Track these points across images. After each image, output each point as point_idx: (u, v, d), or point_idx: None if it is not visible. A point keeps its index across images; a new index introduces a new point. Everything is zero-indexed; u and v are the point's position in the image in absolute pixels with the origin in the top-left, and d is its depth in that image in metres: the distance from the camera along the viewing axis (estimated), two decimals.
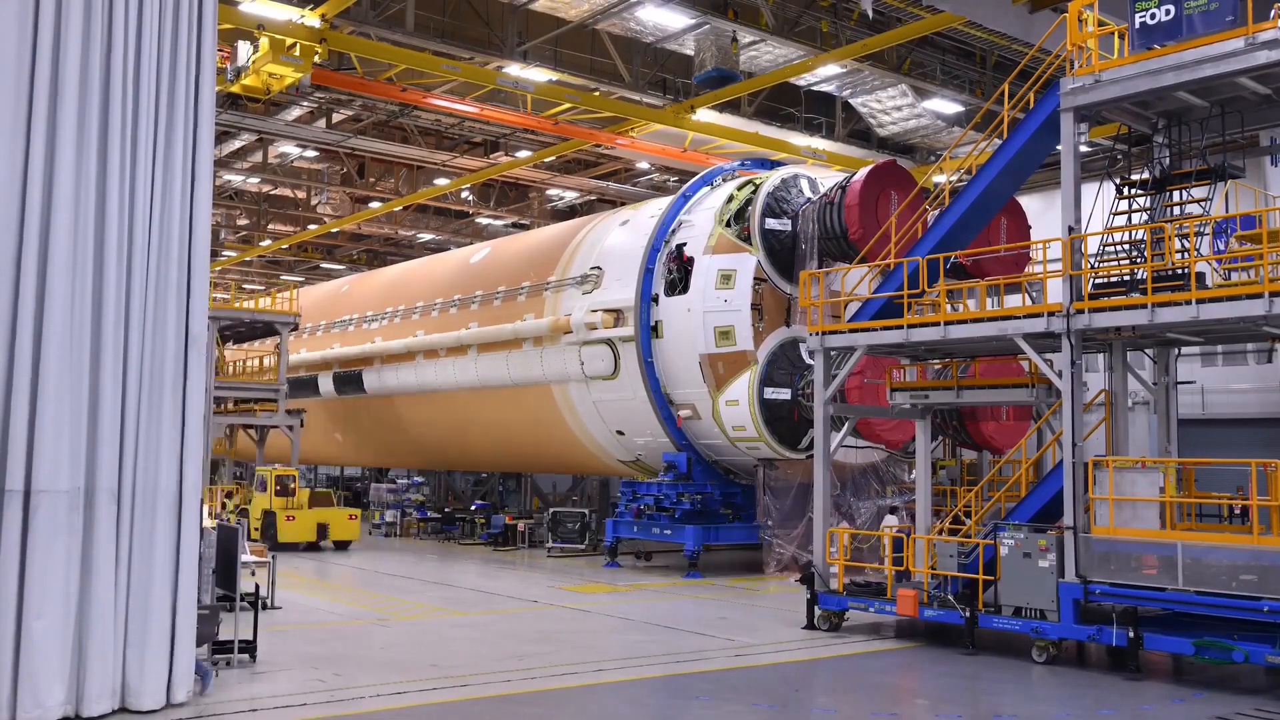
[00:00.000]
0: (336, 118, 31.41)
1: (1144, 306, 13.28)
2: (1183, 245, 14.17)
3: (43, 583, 10.13)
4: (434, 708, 11.15)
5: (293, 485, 27.64)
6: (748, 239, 23.54)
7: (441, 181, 36.52)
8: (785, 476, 23.14)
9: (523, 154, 33.23)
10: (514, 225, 42.83)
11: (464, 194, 39.51)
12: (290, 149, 34.72)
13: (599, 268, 25.64)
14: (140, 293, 11.06)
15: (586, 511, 27.82)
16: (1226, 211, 15.21)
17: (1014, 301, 20.10)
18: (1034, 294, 19.29)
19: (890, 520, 19.15)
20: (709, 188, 25.57)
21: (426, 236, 45.37)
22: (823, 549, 16.42)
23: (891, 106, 28.56)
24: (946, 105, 28.30)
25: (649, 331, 23.99)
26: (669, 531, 23.46)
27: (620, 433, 25.52)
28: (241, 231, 45.14)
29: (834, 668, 13.76)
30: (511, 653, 13.93)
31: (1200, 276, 13.48)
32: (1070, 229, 14.13)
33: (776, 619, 17.18)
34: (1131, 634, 12.88)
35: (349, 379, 33.73)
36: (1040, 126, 15.13)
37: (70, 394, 10.42)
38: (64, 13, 10.70)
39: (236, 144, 33.68)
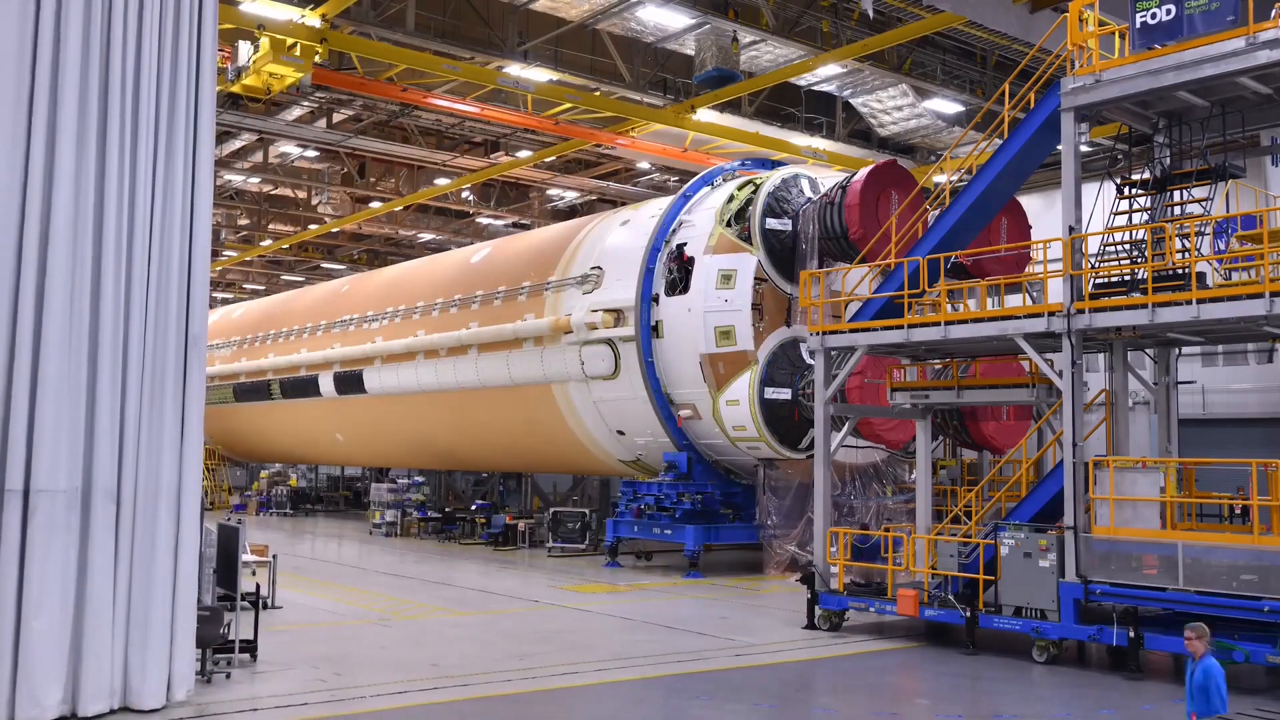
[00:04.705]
0: (337, 118, 31.42)
1: (1144, 306, 13.28)
2: (1183, 245, 14.17)
3: (41, 582, 10.13)
4: (435, 707, 11.15)
5: None
6: (748, 239, 23.53)
7: (442, 181, 36.52)
8: (786, 476, 23.14)
9: (523, 154, 33.23)
10: (514, 225, 42.83)
11: (464, 194, 39.51)
12: (291, 149, 34.72)
13: (599, 268, 25.63)
14: (140, 293, 11.06)
15: (587, 511, 27.81)
16: (1227, 211, 15.21)
17: (1014, 301, 20.08)
18: (1034, 294, 19.28)
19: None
20: (709, 187, 25.56)
21: (427, 236, 45.37)
22: (823, 549, 16.41)
23: (892, 106, 28.56)
24: (947, 105, 28.30)
25: (649, 331, 23.98)
26: (669, 531, 23.46)
27: (621, 432, 25.51)
28: (242, 231, 45.15)
29: (834, 667, 13.76)
30: (512, 652, 13.93)
31: (1201, 276, 13.48)
32: (1071, 229, 14.13)
33: (777, 619, 17.18)
34: (1132, 634, 12.89)
35: (349, 379, 33.72)
36: (1041, 126, 15.12)
37: (69, 394, 10.42)
38: (64, 13, 10.70)
39: (237, 144, 33.68)
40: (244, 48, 22.27)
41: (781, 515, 22.95)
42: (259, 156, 35.30)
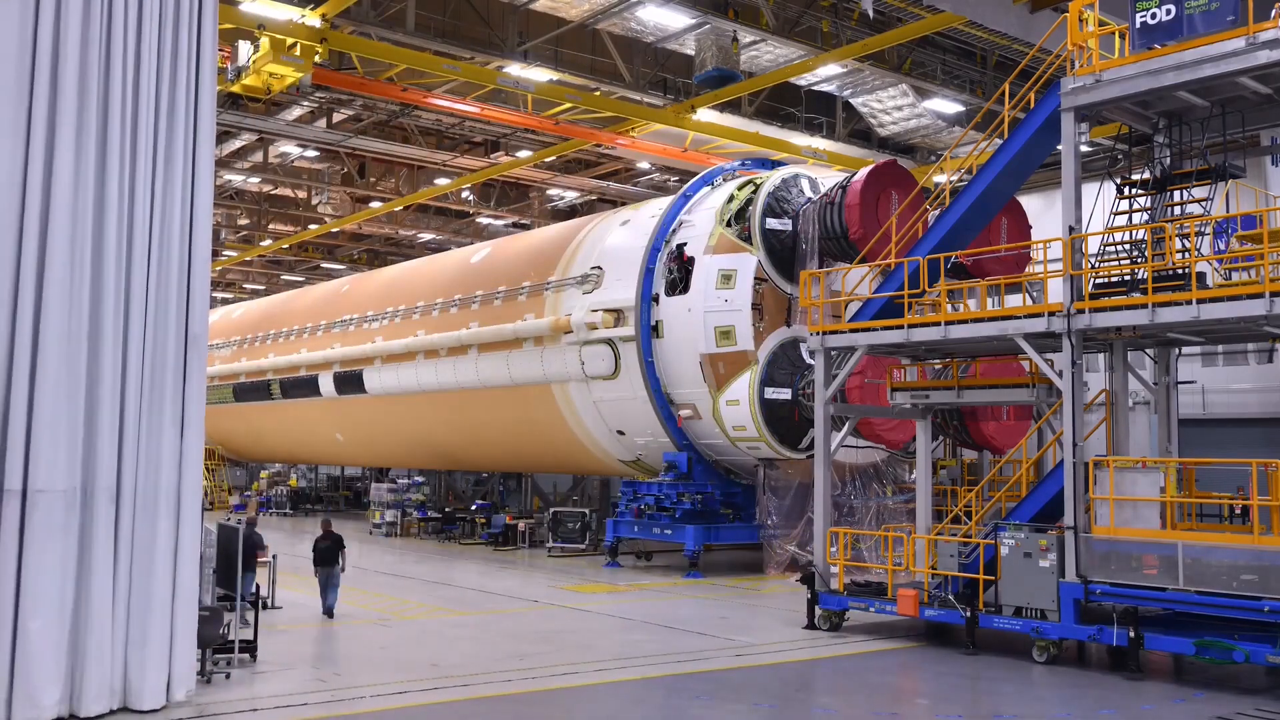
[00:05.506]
0: (337, 117, 31.42)
1: (1144, 306, 13.27)
2: (1183, 245, 14.16)
3: (39, 583, 10.13)
4: (435, 707, 11.15)
5: None
6: (748, 239, 23.53)
7: (442, 181, 36.53)
8: (786, 476, 23.14)
9: (523, 154, 33.24)
10: (514, 225, 42.84)
11: (464, 194, 39.52)
12: (291, 149, 34.72)
13: (599, 268, 25.63)
14: (140, 293, 11.06)
15: (587, 511, 27.81)
16: (1227, 211, 15.21)
17: (1015, 301, 20.09)
18: (1034, 294, 19.28)
19: None
20: (709, 187, 25.56)
21: (427, 236, 45.38)
22: (823, 549, 16.41)
23: (892, 106, 28.56)
24: (947, 105, 28.30)
25: (649, 331, 23.98)
26: (669, 531, 23.46)
27: (621, 432, 25.51)
28: (242, 231, 45.16)
29: (834, 667, 13.76)
30: (512, 652, 13.93)
31: (1201, 276, 13.47)
32: (1071, 229, 14.13)
33: (777, 619, 17.18)
34: (1132, 634, 12.88)
35: (349, 379, 33.73)
36: (1041, 126, 15.12)
37: (68, 394, 10.42)
38: (63, 13, 10.69)
39: (237, 144, 33.68)
40: (244, 48, 22.27)
41: (781, 515, 22.96)
42: (259, 156, 35.30)
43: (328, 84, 25.39)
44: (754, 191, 24.09)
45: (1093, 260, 14.78)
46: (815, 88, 28.41)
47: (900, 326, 15.71)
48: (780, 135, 29.29)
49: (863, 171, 22.50)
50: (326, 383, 35.05)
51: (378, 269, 42.09)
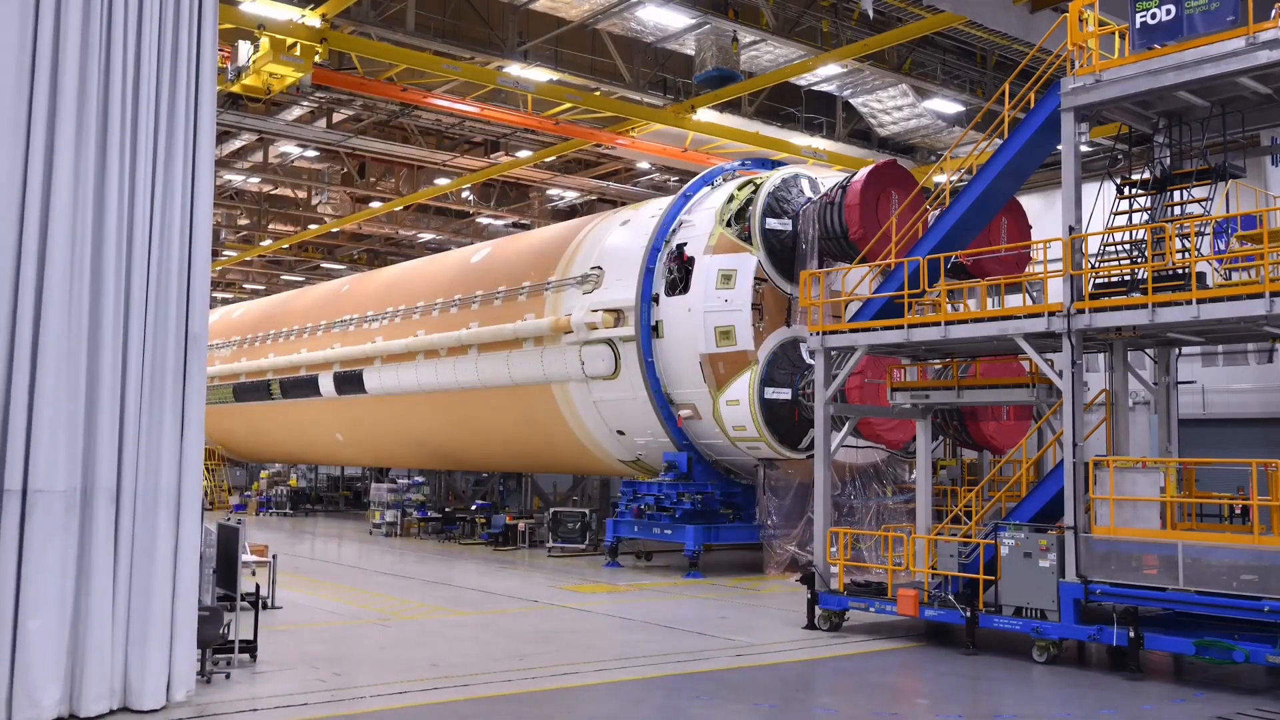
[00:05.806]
0: (337, 117, 31.43)
1: (1145, 306, 13.27)
2: (1183, 245, 14.17)
3: (38, 583, 10.12)
4: (435, 707, 11.15)
5: None
6: (748, 239, 23.53)
7: (442, 181, 36.54)
8: (786, 476, 23.14)
9: (523, 154, 33.24)
10: (514, 225, 42.85)
11: (464, 194, 39.53)
12: (291, 149, 34.72)
13: (599, 268, 25.63)
14: (140, 292, 11.05)
15: (587, 511, 27.81)
16: (1227, 211, 15.21)
17: (1015, 301, 20.09)
18: (1034, 294, 19.28)
19: None
20: (709, 187, 25.56)
21: (427, 236, 45.39)
22: (823, 549, 16.41)
23: (892, 106, 28.57)
24: (947, 105, 28.31)
25: (649, 331, 23.98)
26: (669, 531, 23.46)
27: (621, 432, 25.51)
28: (242, 231, 45.16)
29: (834, 667, 13.76)
30: (512, 652, 13.93)
31: (1201, 276, 13.47)
32: (1071, 229, 14.13)
33: (777, 619, 17.18)
34: (1132, 634, 12.88)
35: (349, 379, 33.73)
36: (1041, 126, 15.12)
37: (68, 394, 10.42)
38: (63, 13, 10.69)
39: (237, 144, 33.69)
40: (244, 48, 22.28)
41: (781, 515, 22.96)
42: (259, 156, 35.31)
43: (328, 84, 25.40)
44: (754, 191, 24.09)
45: (1093, 260, 14.79)
46: (815, 88, 28.42)
47: (900, 326, 15.71)
48: (780, 135, 29.30)
49: (863, 171, 22.50)
50: (326, 383, 35.04)
51: (378, 269, 42.06)
